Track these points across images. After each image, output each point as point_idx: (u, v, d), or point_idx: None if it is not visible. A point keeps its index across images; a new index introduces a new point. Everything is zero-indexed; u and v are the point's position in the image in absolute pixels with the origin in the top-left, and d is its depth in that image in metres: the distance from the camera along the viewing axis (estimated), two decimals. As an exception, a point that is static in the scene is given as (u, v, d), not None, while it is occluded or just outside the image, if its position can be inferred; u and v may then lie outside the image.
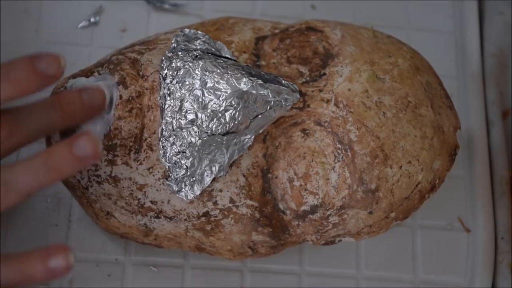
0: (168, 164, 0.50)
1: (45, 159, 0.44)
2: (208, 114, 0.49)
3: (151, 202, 0.51)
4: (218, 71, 0.49)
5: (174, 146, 0.49)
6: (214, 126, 0.49)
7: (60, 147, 0.44)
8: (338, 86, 0.52)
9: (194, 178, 0.50)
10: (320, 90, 0.52)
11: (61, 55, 0.45)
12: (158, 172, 0.50)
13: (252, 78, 0.49)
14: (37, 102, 0.46)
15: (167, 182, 0.50)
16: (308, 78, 0.53)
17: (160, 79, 0.50)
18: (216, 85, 0.49)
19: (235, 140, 0.50)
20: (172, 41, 0.52)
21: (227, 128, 0.49)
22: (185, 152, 0.49)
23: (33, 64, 0.44)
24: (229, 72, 0.49)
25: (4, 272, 0.43)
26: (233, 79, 0.49)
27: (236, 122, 0.49)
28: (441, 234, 0.63)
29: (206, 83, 0.49)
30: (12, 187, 0.44)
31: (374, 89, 0.52)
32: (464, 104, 0.67)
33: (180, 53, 0.50)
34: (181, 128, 0.49)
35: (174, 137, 0.49)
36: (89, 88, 0.48)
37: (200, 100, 0.49)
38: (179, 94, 0.49)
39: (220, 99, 0.49)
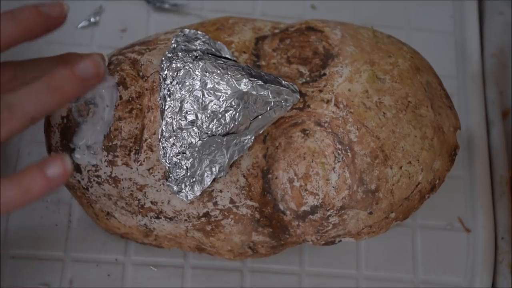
0: (168, 165, 0.50)
1: (47, 81, 0.44)
2: (208, 115, 0.49)
3: (151, 202, 0.51)
4: (218, 72, 0.49)
5: (174, 147, 0.49)
6: (214, 127, 0.49)
7: (62, 69, 0.45)
8: (338, 87, 0.52)
9: (194, 179, 0.50)
10: (320, 91, 0.52)
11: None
12: (158, 172, 0.50)
13: (252, 79, 0.49)
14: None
15: (167, 183, 0.50)
16: (308, 79, 0.53)
17: (160, 80, 0.50)
18: (216, 86, 0.49)
19: (235, 140, 0.50)
20: (172, 41, 0.52)
21: (227, 129, 0.49)
22: (185, 153, 0.49)
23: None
24: (229, 73, 0.49)
25: (4, 189, 0.43)
26: (233, 80, 0.49)
27: (236, 123, 0.49)
28: (441, 234, 0.63)
29: (206, 84, 0.49)
30: (16, 109, 0.43)
31: (374, 89, 0.52)
32: (464, 104, 0.67)
33: (180, 53, 0.50)
34: (181, 129, 0.49)
35: (174, 138, 0.49)
36: (46, 4, 0.48)
37: (200, 101, 0.49)
38: (179, 95, 0.49)
39: (220, 100, 0.49)
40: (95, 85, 0.46)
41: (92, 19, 0.66)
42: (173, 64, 0.50)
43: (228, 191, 0.51)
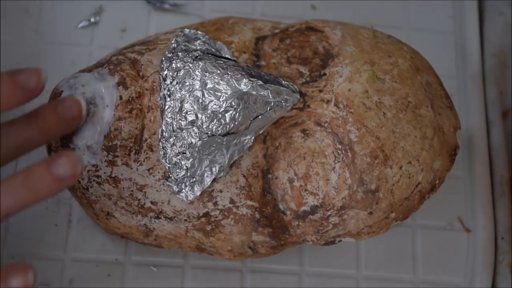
0: (168, 165, 0.50)
1: (23, 179, 0.43)
2: (208, 115, 0.49)
3: (151, 202, 0.51)
4: (218, 72, 0.49)
5: (174, 147, 0.49)
6: (214, 127, 0.49)
7: (39, 166, 0.44)
8: (338, 87, 0.52)
9: (194, 179, 0.50)
10: (320, 91, 0.52)
11: (42, 69, 0.45)
12: (158, 172, 0.50)
13: (252, 79, 0.49)
14: (12, 120, 0.45)
15: (167, 183, 0.50)
16: (308, 79, 0.53)
17: (160, 80, 0.50)
18: (216, 86, 0.49)
19: (235, 140, 0.50)
20: (172, 42, 0.52)
21: (227, 129, 0.49)
22: (185, 153, 0.49)
23: (13, 77, 0.44)
24: (229, 73, 0.49)
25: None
26: (233, 80, 0.49)
27: (236, 123, 0.49)
28: (441, 234, 0.63)
29: (206, 84, 0.49)
30: None
31: (374, 89, 0.52)
32: (464, 104, 0.67)
33: (180, 53, 0.50)
34: (181, 129, 0.49)
35: (174, 138, 0.49)
36: (65, 100, 0.48)
37: (200, 101, 0.49)
38: (179, 95, 0.49)
39: (220, 100, 0.49)
40: (72, 183, 0.45)
41: (92, 19, 0.66)
42: (173, 64, 0.50)
43: (228, 191, 0.51)
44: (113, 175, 0.50)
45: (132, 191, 0.51)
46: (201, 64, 0.49)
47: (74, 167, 0.44)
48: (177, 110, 0.49)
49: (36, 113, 0.46)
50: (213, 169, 0.50)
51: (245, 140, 0.51)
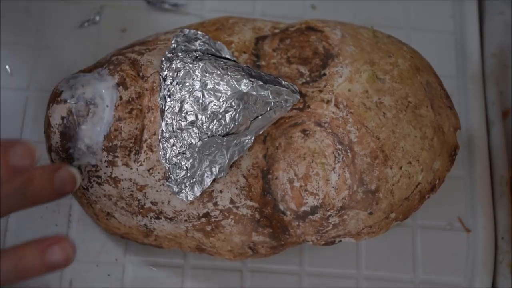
0: (168, 165, 0.50)
1: (15, 262, 0.43)
2: (208, 116, 0.49)
3: (151, 203, 0.51)
4: (218, 72, 0.49)
5: (174, 148, 0.49)
6: (214, 128, 0.49)
7: (32, 251, 0.44)
8: (338, 87, 0.52)
9: (194, 179, 0.50)
10: (320, 91, 0.52)
11: (36, 147, 0.44)
12: (158, 173, 0.50)
13: (252, 79, 0.49)
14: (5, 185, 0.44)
15: (167, 183, 0.50)
16: (308, 79, 0.53)
17: (160, 80, 0.50)
18: (216, 86, 0.49)
19: (235, 141, 0.50)
20: (172, 42, 0.52)
21: (227, 129, 0.49)
22: (185, 153, 0.49)
23: (6, 156, 0.42)
24: (229, 74, 0.49)
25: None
26: (233, 81, 0.49)
27: (236, 123, 0.49)
28: (441, 234, 0.63)
29: (206, 85, 0.49)
30: None
31: (374, 89, 0.52)
32: (464, 104, 0.67)
33: (180, 54, 0.50)
34: (181, 130, 0.49)
35: (174, 138, 0.49)
36: (63, 173, 0.47)
37: (200, 101, 0.49)
38: (179, 96, 0.49)
39: (220, 100, 0.49)
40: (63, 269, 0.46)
41: (92, 19, 0.66)
42: (173, 65, 0.50)
43: (228, 192, 0.51)
44: (113, 175, 0.50)
45: (132, 191, 0.51)
46: (201, 64, 0.49)
47: (68, 255, 0.44)
48: (177, 110, 0.49)
49: (32, 185, 0.45)
50: (213, 169, 0.50)
51: (245, 140, 0.51)
